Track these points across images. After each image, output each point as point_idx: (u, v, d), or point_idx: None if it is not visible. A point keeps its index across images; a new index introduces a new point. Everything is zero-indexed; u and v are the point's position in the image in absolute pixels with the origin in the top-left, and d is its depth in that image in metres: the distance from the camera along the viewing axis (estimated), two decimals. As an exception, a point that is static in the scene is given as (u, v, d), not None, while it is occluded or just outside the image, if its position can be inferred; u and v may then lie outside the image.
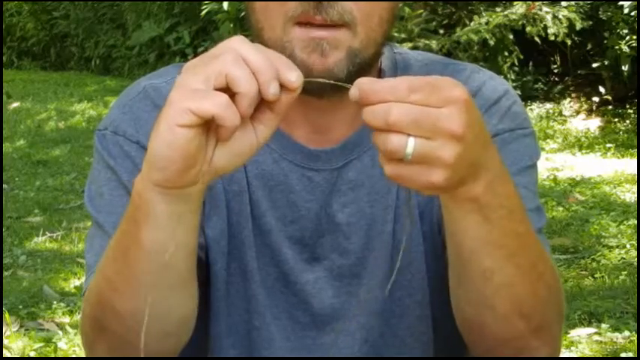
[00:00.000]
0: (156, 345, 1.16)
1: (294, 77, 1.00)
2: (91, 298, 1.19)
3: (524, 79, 7.59)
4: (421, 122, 0.96)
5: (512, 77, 7.31)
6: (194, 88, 0.98)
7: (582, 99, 7.58)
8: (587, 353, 3.35)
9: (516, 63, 7.33)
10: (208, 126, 1.00)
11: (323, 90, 1.21)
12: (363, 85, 0.97)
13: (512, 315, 1.13)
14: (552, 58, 7.94)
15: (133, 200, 1.08)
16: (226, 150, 1.02)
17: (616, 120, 7.24)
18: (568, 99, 7.60)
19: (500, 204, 1.06)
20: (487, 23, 6.99)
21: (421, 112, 0.96)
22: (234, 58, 0.98)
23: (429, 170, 0.97)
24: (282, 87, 1.00)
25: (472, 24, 7.09)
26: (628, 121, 7.17)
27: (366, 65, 1.23)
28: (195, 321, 1.20)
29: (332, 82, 1.12)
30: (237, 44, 1.00)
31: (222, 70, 0.98)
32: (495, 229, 1.07)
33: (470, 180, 1.02)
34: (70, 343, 3.46)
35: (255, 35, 1.26)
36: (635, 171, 5.73)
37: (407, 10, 7.03)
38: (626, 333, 3.47)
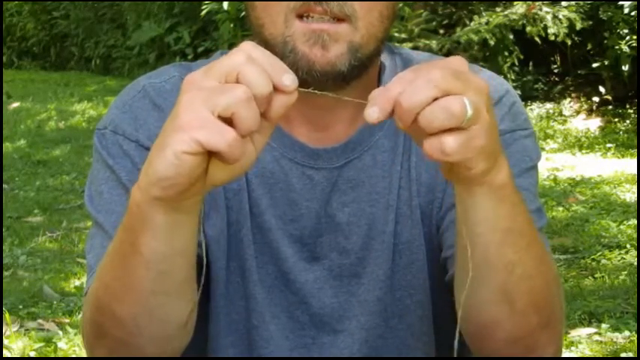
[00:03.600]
0: (157, 348, 1.16)
1: (289, 81, 0.98)
2: (91, 302, 1.18)
3: (524, 79, 7.59)
4: (457, 76, 0.96)
5: (512, 77, 7.31)
6: (204, 116, 0.96)
7: (582, 99, 7.58)
8: (587, 353, 3.34)
9: (516, 63, 7.33)
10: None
11: (324, 83, 1.20)
12: (386, 92, 0.97)
13: (528, 309, 1.14)
14: (552, 58, 7.94)
15: (130, 210, 1.07)
16: (226, 166, 1.01)
17: (616, 120, 7.24)
18: (568, 99, 7.60)
19: (516, 190, 1.08)
20: (487, 23, 6.99)
21: (448, 69, 0.97)
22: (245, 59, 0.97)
23: (480, 123, 0.97)
24: (277, 91, 0.98)
25: (472, 24, 7.09)
26: (628, 121, 7.17)
27: (367, 61, 1.23)
28: (195, 322, 1.20)
29: (333, 95, 1.11)
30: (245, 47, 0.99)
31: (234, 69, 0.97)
32: (519, 217, 1.09)
33: (495, 166, 1.03)
34: (70, 343, 3.45)
35: (255, 33, 1.26)
36: (635, 171, 5.72)
37: (407, 10, 7.03)
38: (626, 333, 3.47)
